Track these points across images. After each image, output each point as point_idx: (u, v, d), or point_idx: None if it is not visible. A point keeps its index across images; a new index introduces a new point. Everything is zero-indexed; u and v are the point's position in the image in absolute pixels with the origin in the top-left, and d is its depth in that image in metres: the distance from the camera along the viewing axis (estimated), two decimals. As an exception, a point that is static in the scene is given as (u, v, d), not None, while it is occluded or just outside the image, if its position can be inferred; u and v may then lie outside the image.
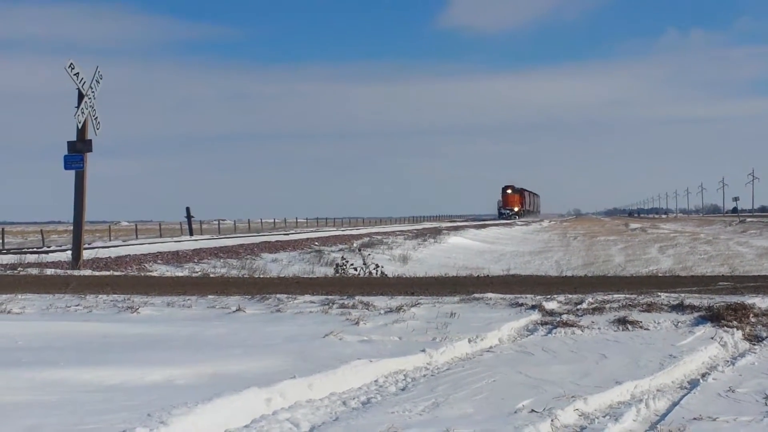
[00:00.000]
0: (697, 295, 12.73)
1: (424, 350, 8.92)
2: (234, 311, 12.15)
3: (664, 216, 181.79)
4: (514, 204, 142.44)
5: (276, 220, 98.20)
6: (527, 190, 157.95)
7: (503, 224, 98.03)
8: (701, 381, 7.84)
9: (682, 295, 12.51)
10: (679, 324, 10.60)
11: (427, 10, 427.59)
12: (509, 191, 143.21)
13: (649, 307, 11.42)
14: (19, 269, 21.83)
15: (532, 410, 6.56)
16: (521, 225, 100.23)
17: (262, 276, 22.27)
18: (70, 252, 25.86)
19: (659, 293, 12.79)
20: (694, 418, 6.50)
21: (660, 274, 23.97)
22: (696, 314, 10.96)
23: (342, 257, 27.66)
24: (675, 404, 7.01)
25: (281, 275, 23.03)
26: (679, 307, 11.37)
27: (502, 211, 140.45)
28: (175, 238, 48.71)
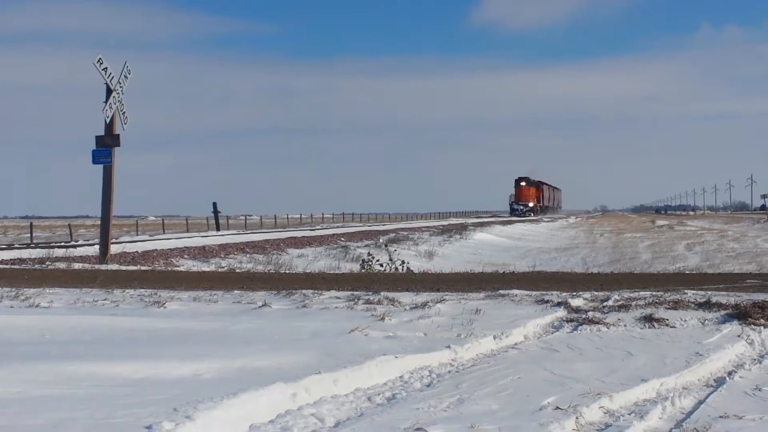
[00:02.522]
0: (724, 292, 12.67)
1: (449, 346, 8.93)
2: (260, 306, 12.19)
3: (691, 213, 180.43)
4: (529, 198, 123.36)
5: (302, 216, 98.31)
6: (546, 183, 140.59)
7: (529, 221, 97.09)
8: (728, 379, 7.81)
9: (709, 292, 12.45)
10: (706, 322, 10.56)
11: (462, 6, 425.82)
12: (523, 184, 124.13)
13: (676, 305, 11.38)
14: (47, 263, 22.00)
15: (557, 407, 6.56)
16: (547, 221, 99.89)
17: (287, 271, 22.31)
18: (97, 246, 26.05)
19: (686, 291, 12.74)
20: (720, 416, 6.47)
21: (687, 272, 23.84)
22: (723, 312, 10.91)
23: (368, 253, 27.70)
24: (701, 402, 6.99)
25: (307, 271, 23.06)
26: (706, 305, 11.33)
27: (515, 206, 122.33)
28: (202, 233, 48.84)
